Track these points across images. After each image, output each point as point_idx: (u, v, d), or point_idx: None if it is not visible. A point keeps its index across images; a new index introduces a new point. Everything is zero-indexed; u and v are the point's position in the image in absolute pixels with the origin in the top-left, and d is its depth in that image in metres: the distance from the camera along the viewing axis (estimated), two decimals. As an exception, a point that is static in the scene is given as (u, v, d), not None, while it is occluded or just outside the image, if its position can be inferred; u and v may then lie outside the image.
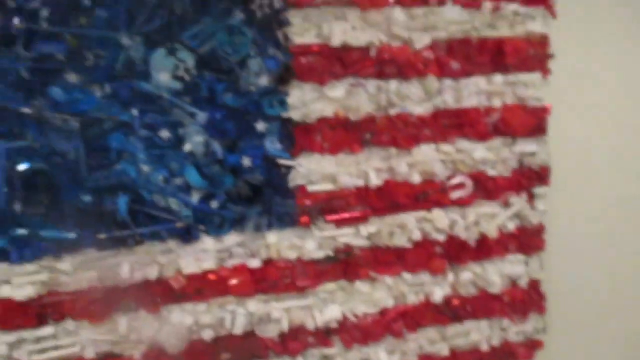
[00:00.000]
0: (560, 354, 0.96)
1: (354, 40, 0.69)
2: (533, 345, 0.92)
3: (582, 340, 0.96)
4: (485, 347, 0.88)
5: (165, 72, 0.65)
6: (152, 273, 0.69)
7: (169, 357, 0.71)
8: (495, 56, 0.76)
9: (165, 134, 0.66)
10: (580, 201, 0.91)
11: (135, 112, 0.65)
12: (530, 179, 0.83)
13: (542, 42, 0.79)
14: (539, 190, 0.84)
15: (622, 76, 0.88)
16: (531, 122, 0.81)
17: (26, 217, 0.64)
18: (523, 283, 0.88)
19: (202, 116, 0.67)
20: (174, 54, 0.64)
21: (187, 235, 0.70)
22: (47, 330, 0.67)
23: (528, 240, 0.86)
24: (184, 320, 0.71)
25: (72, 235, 0.65)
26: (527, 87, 0.79)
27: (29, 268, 0.65)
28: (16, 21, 0.58)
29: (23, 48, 0.60)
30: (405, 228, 0.78)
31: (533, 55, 0.78)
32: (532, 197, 0.84)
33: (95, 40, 0.62)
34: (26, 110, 0.61)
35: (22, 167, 0.62)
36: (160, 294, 0.70)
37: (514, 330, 0.89)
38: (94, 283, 0.66)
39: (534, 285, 0.89)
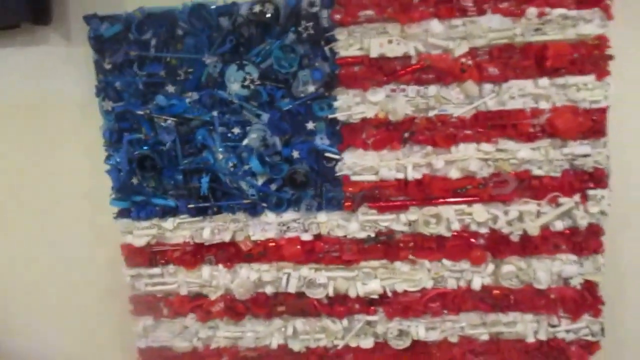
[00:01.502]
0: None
1: (390, 52, 1.20)
2: (588, 346, 1.39)
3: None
4: (531, 340, 1.38)
5: (236, 83, 1.27)
6: (227, 236, 1.37)
7: (239, 302, 1.41)
8: (539, 60, 1.19)
9: (236, 130, 1.31)
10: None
11: (214, 113, 1.30)
12: (582, 180, 1.26)
13: (598, 44, 1.18)
14: (593, 192, 1.27)
15: None
16: (585, 124, 1.22)
17: (141, 188, 1.36)
18: (576, 283, 1.34)
19: (264, 117, 1.28)
20: (242, 68, 1.26)
21: (253, 210, 1.36)
22: (155, 270, 1.43)
23: (581, 241, 1.31)
24: (250, 276, 1.39)
25: (172, 203, 1.36)
26: (579, 89, 1.20)
27: (144, 224, 1.40)
28: (133, 49, 1.25)
29: (138, 68, 1.27)
30: (443, 219, 1.31)
31: (583, 58, 1.18)
32: (585, 199, 1.27)
33: (186, 61, 1.27)
34: (141, 112, 1.31)
35: (137, 152, 1.33)
36: (232, 253, 1.38)
37: (565, 329, 1.37)
38: (187, 239, 1.37)
39: (589, 286, 1.35)
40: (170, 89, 1.30)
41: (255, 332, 1.44)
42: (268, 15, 1.22)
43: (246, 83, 1.28)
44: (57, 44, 1.40)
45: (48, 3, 1.33)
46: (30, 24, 1.33)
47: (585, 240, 1.32)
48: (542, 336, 1.38)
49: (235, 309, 1.42)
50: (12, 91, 1.45)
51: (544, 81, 1.23)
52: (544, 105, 1.25)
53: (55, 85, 1.43)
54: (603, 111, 1.24)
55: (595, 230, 1.31)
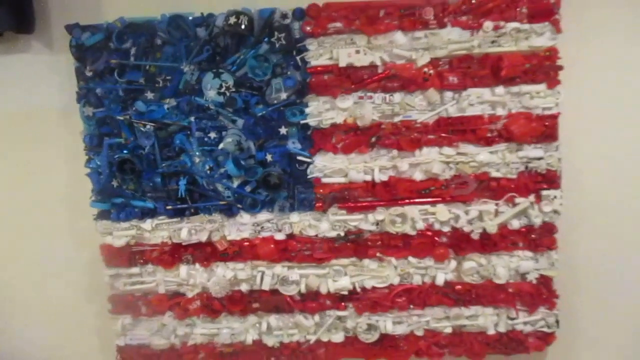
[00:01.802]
0: (573, 349, 1.50)
1: (358, 62, 1.26)
2: (544, 337, 1.47)
3: (593, 336, 1.48)
4: (492, 332, 1.45)
5: (212, 90, 1.32)
6: (203, 236, 1.41)
7: (215, 300, 1.44)
8: (495, 70, 1.26)
9: (212, 134, 1.35)
10: (594, 203, 1.38)
11: (192, 119, 1.34)
12: (536, 181, 1.34)
13: (549, 55, 1.26)
14: (546, 192, 1.34)
15: (635, 84, 1.32)
16: (538, 129, 1.30)
17: (121, 190, 1.39)
18: (532, 278, 1.41)
19: (239, 122, 1.33)
20: (219, 76, 1.30)
21: (229, 211, 1.40)
22: (134, 270, 1.46)
23: (536, 238, 1.38)
24: (226, 274, 1.43)
25: (150, 205, 1.39)
26: (532, 97, 1.28)
27: (123, 225, 1.43)
28: (113, 57, 1.29)
29: (118, 76, 1.31)
30: (408, 218, 1.36)
31: (535, 68, 1.26)
32: (539, 199, 1.35)
33: (164, 69, 1.31)
34: (121, 117, 1.34)
35: (117, 156, 1.36)
36: (209, 252, 1.42)
37: (523, 321, 1.44)
38: (165, 240, 1.40)
39: (544, 281, 1.42)
40: (150, 95, 1.34)
41: (231, 328, 1.48)
42: (243, 27, 1.27)
43: (222, 90, 1.33)
44: (39, 52, 1.43)
45: (31, 12, 1.36)
46: (14, 32, 1.35)
47: (540, 238, 1.39)
48: (502, 328, 1.45)
49: (212, 306, 1.46)
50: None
51: (500, 89, 1.30)
52: (500, 111, 1.32)
53: (37, 92, 1.45)
54: (554, 117, 1.32)
55: (549, 228, 1.39)
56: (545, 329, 1.46)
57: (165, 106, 1.35)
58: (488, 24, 1.27)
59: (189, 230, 1.42)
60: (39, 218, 1.52)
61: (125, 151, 1.37)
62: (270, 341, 1.47)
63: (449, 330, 1.46)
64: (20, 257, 1.55)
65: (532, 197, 1.36)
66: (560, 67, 1.29)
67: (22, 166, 1.50)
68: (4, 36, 1.39)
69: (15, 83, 1.45)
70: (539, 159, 1.34)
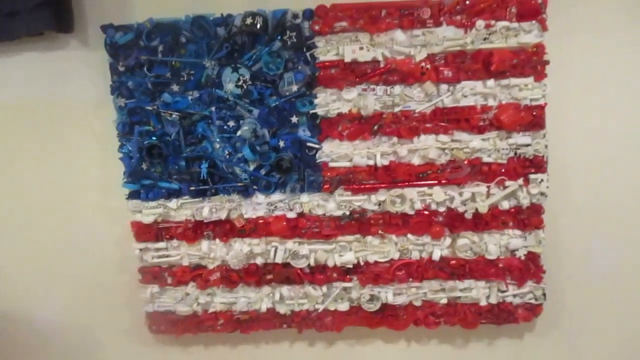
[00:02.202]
0: (558, 320, 1.60)
1: (361, 57, 1.36)
2: (532, 309, 1.57)
3: (577, 308, 1.58)
4: (484, 303, 1.55)
5: (231, 83, 1.43)
6: (223, 214, 1.53)
7: (233, 272, 1.57)
8: (487, 64, 1.35)
9: (231, 123, 1.47)
10: (577, 185, 1.48)
11: (212, 109, 1.46)
12: (524, 166, 1.43)
13: (536, 51, 1.35)
14: (534, 176, 1.44)
15: (615, 77, 1.41)
16: (526, 118, 1.39)
17: (149, 173, 1.52)
18: (521, 254, 1.51)
19: (255, 112, 1.44)
20: (237, 70, 1.42)
21: (245, 192, 1.52)
22: (161, 244, 1.58)
23: (524, 218, 1.48)
24: (243, 249, 1.55)
25: (175, 186, 1.52)
26: (520, 89, 1.37)
27: (151, 204, 1.55)
28: (143, 54, 1.41)
29: (147, 70, 1.43)
30: (407, 199, 1.47)
31: (523, 63, 1.35)
32: (527, 182, 1.45)
33: (188, 64, 1.43)
34: (149, 107, 1.46)
35: (146, 142, 1.49)
36: (228, 229, 1.55)
37: (512, 294, 1.55)
38: (189, 217, 1.53)
39: (532, 257, 1.52)
40: (175, 88, 1.46)
41: (247, 297, 1.60)
42: (258, 26, 1.38)
43: (240, 83, 1.44)
44: (76, 49, 1.54)
45: (70, 14, 1.47)
46: (55, 32, 1.47)
47: (528, 218, 1.49)
48: (493, 300, 1.55)
49: (230, 277, 1.58)
50: (36, 90, 1.58)
51: (491, 82, 1.40)
52: (491, 102, 1.42)
53: (74, 84, 1.56)
54: (541, 108, 1.41)
55: (536, 209, 1.48)
56: (533, 301, 1.56)
57: (189, 97, 1.47)
58: (480, 23, 1.36)
59: (210, 209, 1.53)
60: (77, 197, 1.64)
61: (153, 138, 1.49)
62: (282, 309, 1.59)
63: (444, 301, 1.56)
64: (59, 233, 1.67)
65: (520, 181, 1.46)
66: (547, 62, 1.38)
67: (61, 151, 1.61)
68: (44, 35, 1.50)
69: (56, 77, 1.56)
70: (527, 145, 1.43)
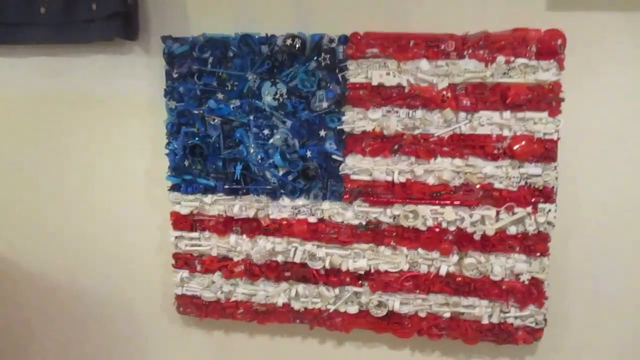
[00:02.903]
0: (559, 346, 1.61)
1: (388, 82, 1.44)
2: (532, 332, 1.59)
3: (579, 335, 1.59)
4: (485, 321, 1.59)
5: (269, 96, 1.53)
6: (251, 213, 1.63)
7: (256, 266, 1.66)
8: (504, 97, 1.40)
9: (266, 131, 1.57)
10: (584, 218, 1.51)
11: (251, 117, 1.56)
12: (534, 195, 1.47)
13: (552, 88, 1.38)
14: (542, 205, 1.47)
15: (627, 116, 1.45)
16: (539, 150, 1.43)
17: (190, 169, 1.63)
18: (524, 278, 1.54)
19: (288, 123, 1.54)
20: (275, 85, 1.52)
21: (273, 194, 1.61)
22: (194, 234, 1.69)
23: (530, 244, 1.51)
24: (266, 246, 1.64)
25: (212, 183, 1.63)
26: (535, 122, 1.41)
27: (189, 197, 1.66)
28: (195, 64, 1.53)
29: (197, 79, 1.55)
30: (420, 216, 1.53)
31: (539, 98, 1.39)
32: (535, 210, 1.48)
33: (233, 76, 1.54)
34: (196, 111, 1.58)
35: (190, 142, 1.60)
36: (254, 226, 1.64)
37: (514, 315, 1.57)
38: (221, 213, 1.63)
39: (535, 282, 1.54)
40: (220, 96, 1.57)
41: (266, 291, 1.68)
42: (297, 47, 1.48)
43: (277, 96, 1.54)
44: (139, 55, 1.67)
45: (137, 24, 1.61)
46: (122, 38, 1.62)
47: (534, 244, 1.51)
48: (495, 319, 1.57)
49: (252, 271, 1.66)
50: (101, 88, 1.72)
51: (507, 114, 1.43)
52: (506, 133, 1.45)
53: (133, 86, 1.69)
54: (554, 142, 1.44)
55: (542, 237, 1.50)
56: (534, 325, 1.56)
57: (231, 106, 1.57)
58: (500, 59, 1.40)
59: (240, 206, 1.63)
60: (127, 184, 1.77)
61: (196, 138, 1.60)
62: (297, 305, 1.66)
63: (448, 315, 1.60)
64: (108, 214, 1.80)
65: (529, 209, 1.48)
66: (562, 99, 1.41)
67: (118, 142, 1.75)
68: (114, 41, 1.65)
69: (119, 78, 1.70)
70: (538, 176, 1.46)
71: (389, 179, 1.53)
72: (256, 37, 1.52)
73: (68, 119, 1.77)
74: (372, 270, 1.60)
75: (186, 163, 1.63)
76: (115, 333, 1.90)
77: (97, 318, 1.90)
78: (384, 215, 1.56)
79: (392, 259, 1.59)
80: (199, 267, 1.70)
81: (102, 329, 1.91)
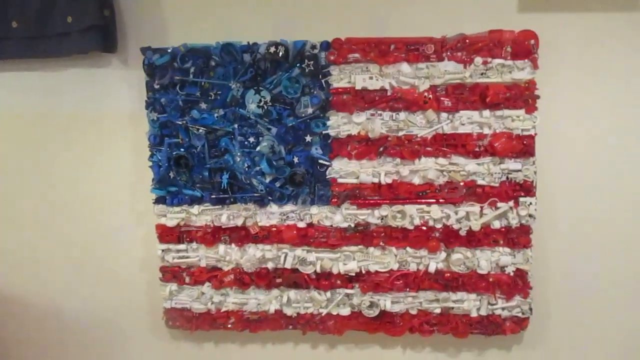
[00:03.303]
0: (544, 334, 1.68)
1: (371, 86, 1.48)
2: (519, 322, 1.65)
3: (562, 323, 1.66)
4: (474, 315, 1.64)
5: (253, 103, 1.55)
6: (239, 221, 1.63)
7: (246, 274, 1.67)
8: (483, 97, 1.46)
9: (251, 139, 1.58)
10: (563, 209, 1.58)
11: (235, 126, 1.57)
12: (515, 190, 1.53)
13: (528, 86, 1.45)
14: (523, 199, 1.53)
15: (598, 111, 1.53)
16: (518, 146, 1.49)
17: (175, 181, 1.63)
18: (510, 270, 1.60)
19: (273, 130, 1.56)
20: (259, 93, 1.54)
21: (261, 201, 1.63)
22: (181, 246, 1.69)
23: (514, 237, 1.57)
24: (256, 253, 1.65)
25: (198, 194, 1.63)
26: (513, 120, 1.48)
27: (175, 209, 1.66)
28: (176, 75, 1.53)
29: (179, 89, 1.55)
30: (407, 215, 1.57)
31: (516, 96, 1.46)
32: (517, 204, 1.54)
33: (216, 85, 1.55)
34: (179, 122, 1.58)
35: (175, 153, 1.60)
36: (243, 235, 1.65)
37: (501, 307, 1.63)
38: (208, 223, 1.63)
39: (520, 274, 1.61)
40: (203, 105, 1.57)
41: (257, 299, 1.68)
42: (280, 55, 1.50)
43: (261, 104, 1.55)
44: (117, 68, 1.66)
45: (115, 36, 1.60)
46: (99, 51, 1.60)
47: (517, 237, 1.57)
48: (483, 312, 1.63)
49: (243, 279, 1.67)
50: (79, 102, 1.70)
51: (487, 113, 1.50)
52: (486, 131, 1.52)
53: (113, 99, 1.68)
54: (532, 137, 1.51)
55: (525, 230, 1.57)
56: (520, 315, 1.63)
57: (215, 115, 1.58)
58: (478, 60, 1.47)
59: (228, 215, 1.63)
60: (109, 199, 1.75)
61: (181, 149, 1.60)
62: (289, 311, 1.67)
63: (438, 311, 1.64)
64: (91, 230, 1.77)
65: (511, 203, 1.54)
66: (537, 97, 1.49)
67: (98, 156, 1.72)
68: (90, 54, 1.64)
69: (98, 92, 1.68)
70: (518, 171, 1.52)
71: (376, 180, 1.57)
72: (238, 45, 1.53)
73: (45, 135, 1.74)
74: (363, 272, 1.63)
75: (171, 174, 1.63)
76: (102, 354, 1.87)
77: (80, 339, 1.86)
78: (372, 216, 1.59)
79: (381, 259, 1.62)
80: (187, 279, 1.69)
81: (86, 351, 1.87)
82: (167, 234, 1.67)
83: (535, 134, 1.50)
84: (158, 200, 1.65)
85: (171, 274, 1.69)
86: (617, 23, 1.51)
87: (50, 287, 1.83)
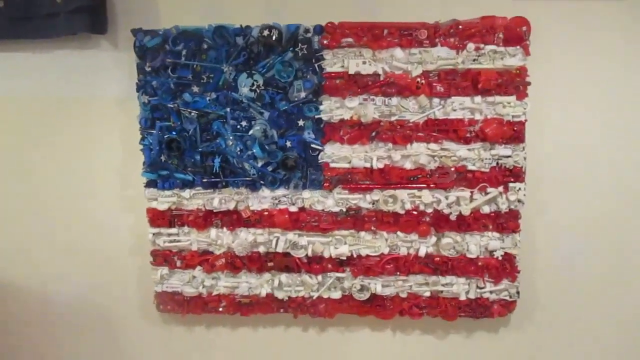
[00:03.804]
0: (530, 316, 1.73)
1: (364, 70, 1.49)
2: (507, 305, 1.69)
3: (548, 305, 1.71)
4: (463, 298, 1.68)
5: (246, 87, 1.56)
6: (231, 205, 1.65)
7: (238, 258, 1.69)
8: (474, 82, 1.49)
9: (244, 123, 1.59)
10: (551, 194, 1.62)
11: (228, 109, 1.58)
12: (505, 175, 1.56)
13: (519, 73, 1.48)
14: (513, 184, 1.57)
15: (587, 99, 1.57)
16: (508, 132, 1.52)
17: (167, 164, 1.64)
18: (498, 255, 1.64)
19: (266, 114, 1.57)
20: (251, 76, 1.54)
21: (253, 186, 1.64)
22: (173, 230, 1.70)
23: (503, 222, 1.61)
24: (247, 237, 1.67)
25: (190, 177, 1.64)
26: (504, 106, 1.50)
27: (167, 193, 1.66)
28: (168, 57, 1.53)
29: (171, 72, 1.55)
30: (399, 200, 1.60)
31: (507, 83, 1.48)
32: (507, 189, 1.57)
33: (208, 68, 1.55)
34: (171, 105, 1.58)
35: (166, 136, 1.61)
36: (235, 219, 1.66)
37: (489, 290, 1.67)
38: (200, 207, 1.65)
39: (509, 258, 1.64)
40: (195, 89, 1.57)
41: (248, 282, 1.70)
42: (273, 38, 1.51)
43: (253, 88, 1.56)
44: (106, 50, 1.65)
45: (105, 17, 1.59)
46: (89, 33, 1.59)
47: (506, 222, 1.61)
48: (472, 295, 1.67)
49: (234, 263, 1.68)
50: (68, 85, 1.69)
51: (478, 99, 1.52)
52: (477, 116, 1.54)
53: (103, 82, 1.67)
54: (522, 124, 1.54)
55: (514, 214, 1.61)
56: (508, 298, 1.67)
57: (207, 98, 1.58)
58: (470, 46, 1.49)
59: (220, 200, 1.64)
60: (99, 183, 1.75)
61: (173, 132, 1.60)
62: (280, 295, 1.69)
63: (427, 294, 1.68)
64: (79, 215, 1.77)
65: (500, 188, 1.58)
66: (528, 83, 1.52)
67: (87, 140, 1.72)
68: (77, 35, 1.62)
69: (87, 74, 1.67)
70: (508, 157, 1.56)
71: (368, 165, 1.59)
72: (231, 28, 1.53)
73: (33, 118, 1.73)
74: (354, 256, 1.66)
75: (162, 158, 1.63)
76: (92, 339, 1.88)
77: (71, 324, 1.87)
78: (364, 201, 1.62)
79: (372, 244, 1.65)
80: (179, 263, 1.71)
81: (78, 336, 1.88)
82: (158, 218, 1.68)
83: (526, 120, 1.53)
84: (149, 184, 1.66)
85: (162, 257, 1.71)
86: (608, 11, 1.54)
87: (41, 272, 1.83)
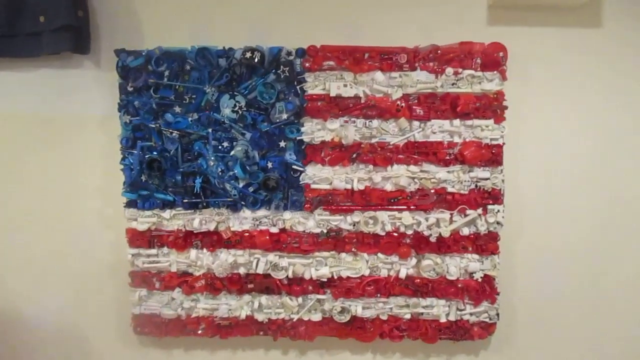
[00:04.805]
0: (510, 339, 1.75)
1: (345, 93, 1.53)
2: (487, 327, 1.71)
3: (528, 328, 1.72)
4: (443, 320, 1.69)
5: (228, 108, 1.57)
6: (212, 226, 1.65)
7: (217, 279, 1.68)
8: (453, 106, 1.53)
9: (225, 144, 1.60)
10: (529, 217, 1.65)
11: (209, 130, 1.59)
12: (483, 197, 1.59)
13: (497, 97, 1.53)
14: (491, 206, 1.60)
15: (563, 122, 1.62)
16: (486, 155, 1.56)
17: (148, 184, 1.64)
18: (478, 276, 1.66)
19: (247, 135, 1.59)
20: (234, 97, 1.57)
21: (234, 206, 1.65)
22: (152, 251, 1.69)
23: (482, 244, 1.63)
24: (228, 258, 1.67)
25: (170, 198, 1.64)
26: (482, 129, 1.54)
27: (147, 213, 1.66)
28: (150, 77, 1.55)
29: (153, 92, 1.57)
30: (379, 221, 1.61)
31: (485, 106, 1.52)
32: (485, 211, 1.60)
33: (191, 89, 1.57)
34: (152, 125, 1.60)
35: (147, 156, 1.61)
36: (215, 240, 1.66)
37: (469, 312, 1.69)
38: (180, 227, 1.65)
39: (488, 279, 1.66)
40: (177, 109, 1.59)
41: (228, 304, 1.69)
42: (256, 60, 1.53)
43: (235, 109, 1.58)
44: (89, 69, 1.66)
45: (88, 37, 1.60)
46: (72, 52, 1.60)
47: (485, 244, 1.63)
48: (452, 317, 1.68)
49: (214, 285, 1.68)
50: (50, 104, 1.69)
51: (457, 122, 1.56)
52: (457, 139, 1.58)
53: (84, 101, 1.68)
54: (500, 147, 1.58)
55: (493, 236, 1.63)
56: (488, 320, 1.69)
57: (189, 119, 1.60)
58: (449, 70, 1.54)
59: (200, 220, 1.64)
60: (77, 203, 1.73)
61: (154, 152, 1.61)
62: (260, 317, 1.68)
63: (408, 316, 1.68)
64: (57, 236, 1.75)
65: (479, 210, 1.61)
66: (506, 107, 1.56)
67: (67, 159, 1.71)
68: (60, 54, 1.64)
69: (69, 93, 1.67)
70: (486, 179, 1.59)
71: (349, 186, 1.61)
72: (214, 50, 1.56)
73: (13, 136, 1.72)
74: (335, 277, 1.66)
75: (143, 178, 1.63)
76: (66, 361, 1.85)
77: (47, 346, 1.83)
78: (345, 222, 1.63)
79: (353, 265, 1.66)
80: (157, 285, 1.69)
81: (53, 359, 1.84)
82: (137, 238, 1.67)
83: (504, 144, 1.57)
84: (129, 204, 1.65)
85: (141, 278, 1.69)
86: (582, 38, 1.60)
87: (13, 291, 1.80)
